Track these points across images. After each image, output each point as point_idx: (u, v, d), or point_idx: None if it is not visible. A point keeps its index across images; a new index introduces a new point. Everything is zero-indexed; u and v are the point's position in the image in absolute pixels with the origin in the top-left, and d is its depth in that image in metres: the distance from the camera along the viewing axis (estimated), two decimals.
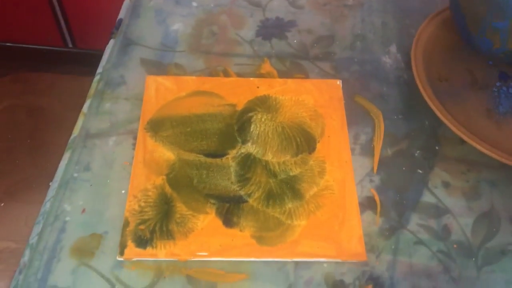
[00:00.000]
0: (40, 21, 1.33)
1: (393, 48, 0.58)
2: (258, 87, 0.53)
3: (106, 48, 0.57)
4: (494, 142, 0.49)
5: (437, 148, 0.50)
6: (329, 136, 0.49)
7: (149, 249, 0.42)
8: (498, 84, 0.55)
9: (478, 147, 0.47)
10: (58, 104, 0.82)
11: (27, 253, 0.42)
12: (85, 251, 0.42)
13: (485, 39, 0.52)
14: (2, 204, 0.75)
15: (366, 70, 0.56)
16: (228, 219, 0.44)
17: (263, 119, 0.50)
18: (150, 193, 0.45)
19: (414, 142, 0.50)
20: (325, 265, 0.42)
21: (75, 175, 0.46)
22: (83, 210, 0.44)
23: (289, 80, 0.53)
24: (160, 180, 0.45)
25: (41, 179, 0.71)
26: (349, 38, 0.59)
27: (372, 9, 0.62)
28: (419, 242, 0.44)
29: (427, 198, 0.46)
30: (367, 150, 0.49)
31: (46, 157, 0.79)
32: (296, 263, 0.42)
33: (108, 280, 0.40)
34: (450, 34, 0.58)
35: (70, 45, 1.43)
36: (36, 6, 1.29)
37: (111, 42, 0.58)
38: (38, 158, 0.81)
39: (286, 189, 0.45)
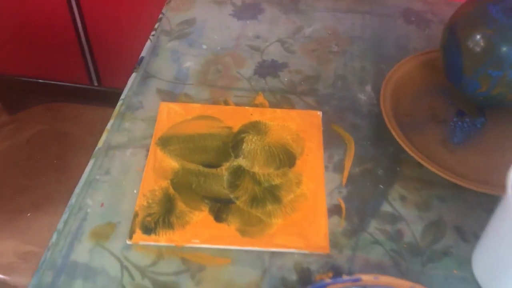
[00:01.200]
0: (70, 61, 1.48)
1: (368, 87, 0.69)
2: (251, 114, 0.64)
3: (129, 80, 0.69)
4: (446, 166, 0.58)
5: (398, 169, 0.59)
6: (307, 155, 0.59)
7: (152, 236, 0.51)
8: (455, 119, 0.65)
9: (432, 169, 0.57)
10: (82, 130, 0.94)
11: (54, 236, 0.52)
12: (101, 235, 0.52)
13: (475, 82, 0.61)
14: (29, 214, 0.86)
15: (343, 104, 0.67)
16: (218, 215, 0.53)
17: (253, 140, 0.60)
18: (156, 193, 0.55)
19: (379, 163, 0.60)
20: (295, 255, 0.51)
21: (97, 177, 0.57)
22: (102, 204, 0.54)
23: (278, 110, 0.64)
24: (165, 183, 0.56)
25: (63, 194, 0.82)
26: (331, 78, 0.70)
27: (353, 55, 0.74)
28: (375, 242, 0.53)
29: (385, 208, 0.56)
30: (339, 168, 0.59)
31: (68, 175, 0.90)
32: (272, 252, 0.51)
33: (118, 259, 0.50)
34: (418, 76, 0.69)
35: (96, 84, 1.57)
36: (67, 47, 1.44)
37: (134, 75, 0.70)
38: (61, 176, 0.91)
39: (268, 195, 0.55)
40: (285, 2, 0.82)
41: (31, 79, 1.56)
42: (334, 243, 0.52)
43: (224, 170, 0.57)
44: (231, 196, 0.55)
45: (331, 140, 0.62)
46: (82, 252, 0.51)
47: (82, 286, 0.48)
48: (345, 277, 0.47)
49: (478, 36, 0.60)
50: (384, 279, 0.47)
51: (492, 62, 0.60)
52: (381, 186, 0.58)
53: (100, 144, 0.61)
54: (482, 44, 0.60)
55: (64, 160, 0.88)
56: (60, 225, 0.53)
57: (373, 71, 0.71)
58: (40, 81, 1.55)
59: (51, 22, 1.37)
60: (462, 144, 0.62)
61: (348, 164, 0.59)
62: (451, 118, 0.65)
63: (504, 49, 0.59)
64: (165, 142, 0.60)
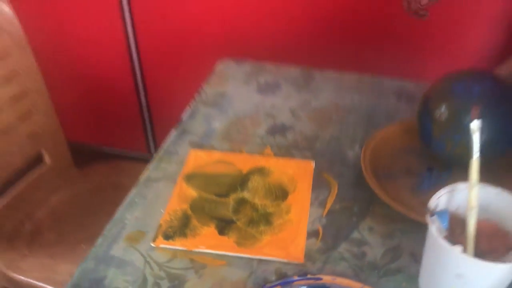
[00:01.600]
0: (132, 132, 1.74)
1: (356, 146, 0.85)
2: (259, 161, 0.81)
3: (169, 134, 0.89)
4: (410, 206, 0.72)
5: (370, 208, 0.74)
6: (298, 193, 0.75)
7: (170, 241, 0.68)
8: (424, 173, 0.79)
9: (398, 208, 0.71)
10: (134, 181, 1.16)
11: (100, 239, 0.70)
12: (133, 239, 0.69)
13: (443, 143, 0.76)
14: (83, 246, 1.05)
15: (334, 158, 0.83)
16: (222, 231, 0.69)
17: (257, 179, 0.77)
18: (177, 212, 0.72)
19: (356, 203, 0.75)
20: (277, 263, 0.66)
21: (136, 200, 0.75)
22: (136, 218, 0.72)
23: (280, 159, 0.82)
24: (185, 206, 0.73)
25: None
26: (327, 139, 0.87)
27: (349, 123, 0.91)
28: (343, 258, 0.66)
29: (355, 235, 0.70)
30: (322, 204, 0.74)
31: None
32: (259, 259, 0.66)
33: (143, 256, 0.67)
34: (397, 138, 0.84)
35: (153, 152, 1.82)
36: (131, 119, 1.70)
37: (173, 130, 0.90)
38: (112, 217, 1.11)
39: (262, 219, 0.71)
40: (300, 82, 1.02)
41: (96, 147, 1.82)
42: (308, 257, 0.66)
43: (231, 200, 0.74)
44: (234, 218, 0.71)
45: (320, 184, 0.78)
46: (118, 250, 0.68)
47: (115, 272, 0.65)
48: (309, 276, 0.61)
49: (444, 108, 0.76)
50: (340, 280, 0.60)
51: (453, 128, 0.75)
52: (355, 219, 0.72)
53: (142, 178, 0.80)
54: (446, 114, 0.76)
55: (116, 204, 1.09)
56: (105, 231, 0.71)
57: (363, 134, 0.88)
58: (102, 148, 1.81)
59: (118, 97, 1.64)
60: (427, 191, 0.76)
61: (330, 201, 0.75)
62: (422, 172, 0.80)
63: (462, 118, 0.74)
64: (189, 178, 0.78)
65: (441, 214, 0.57)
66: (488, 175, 0.59)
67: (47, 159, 1.22)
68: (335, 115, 0.93)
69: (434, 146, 0.78)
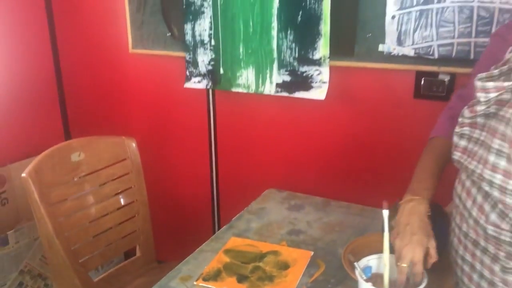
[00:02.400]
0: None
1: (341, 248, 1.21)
2: (274, 247, 1.20)
3: (218, 231, 1.32)
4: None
5: (343, 281, 1.08)
6: (296, 267, 1.12)
7: (206, 282, 1.07)
8: None
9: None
10: None
11: (165, 277, 1.10)
12: (184, 279, 1.09)
13: None
14: None
15: (328, 252, 1.19)
16: (240, 281, 1.07)
17: (270, 256, 1.16)
18: (214, 268, 1.12)
19: (333, 278, 1.09)
20: None
21: (190, 260, 1.16)
22: (188, 269, 1.12)
23: (289, 248, 1.20)
24: (220, 266, 1.13)
25: None
26: (327, 241, 1.24)
27: (346, 232, 1.28)
28: None
29: None
30: (311, 275, 1.10)
31: None
32: None
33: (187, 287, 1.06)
34: (372, 242, 1.19)
35: None
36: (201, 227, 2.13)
37: (225, 228, 1.33)
38: None
39: (267, 278, 1.08)
40: (319, 206, 1.43)
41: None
42: None
43: (250, 265, 1.13)
44: (249, 275, 1.09)
45: (313, 265, 1.14)
46: (175, 283, 1.08)
47: None
48: None
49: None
50: None
51: None
52: (330, 286, 1.06)
53: (197, 250, 1.21)
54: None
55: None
56: (169, 273, 1.12)
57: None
58: None
59: (196, 218, 2.10)
60: None
61: (316, 274, 1.10)
62: None
63: None
64: (227, 251, 1.18)
65: (365, 268, 0.92)
66: None
67: (138, 252, 1.68)
68: (337, 228, 1.31)
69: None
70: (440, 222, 1.00)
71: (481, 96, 0.82)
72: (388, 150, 1.63)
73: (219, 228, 2.06)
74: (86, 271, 1.50)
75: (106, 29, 2.00)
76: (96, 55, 2.07)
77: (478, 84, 0.82)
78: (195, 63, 1.84)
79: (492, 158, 0.79)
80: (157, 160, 2.03)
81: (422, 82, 1.56)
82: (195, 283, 1.08)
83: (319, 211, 1.41)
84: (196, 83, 1.85)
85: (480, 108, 0.83)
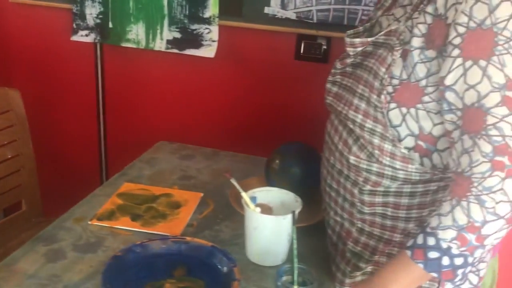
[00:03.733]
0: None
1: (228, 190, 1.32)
2: (167, 190, 1.27)
3: (114, 175, 1.35)
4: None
5: (230, 218, 1.19)
6: (187, 206, 1.21)
7: (100, 221, 1.11)
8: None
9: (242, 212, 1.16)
10: None
11: (62, 216, 1.13)
12: (79, 220, 1.12)
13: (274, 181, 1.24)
14: None
15: (216, 193, 1.29)
16: (133, 219, 1.13)
17: (163, 198, 1.23)
18: (108, 210, 1.16)
19: (223, 215, 1.20)
20: (162, 235, 1.09)
21: (86, 202, 1.19)
22: (83, 211, 1.16)
23: (181, 190, 1.28)
24: (113, 207, 1.18)
25: None
26: (217, 184, 1.34)
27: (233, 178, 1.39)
28: (204, 236, 1.10)
29: (217, 227, 1.14)
30: (201, 212, 1.19)
31: None
32: (152, 233, 1.09)
33: (82, 228, 1.10)
34: (253, 185, 1.32)
35: None
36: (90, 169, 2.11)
37: (117, 174, 1.36)
38: None
39: (160, 216, 1.16)
40: (209, 155, 1.52)
41: None
42: (183, 234, 1.10)
43: (144, 206, 1.19)
44: (143, 214, 1.16)
45: (204, 204, 1.24)
46: (70, 224, 1.10)
47: (66, 234, 1.07)
48: (174, 237, 1.04)
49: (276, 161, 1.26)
50: (196, 240, 1.04)
51: (280, 172, 1.24)
52: (218, 220, 1.17)
53: (91, 194, 1.24)
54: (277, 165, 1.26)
55: None
56: (66, 213, 1.14)
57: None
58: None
59: (84, 174, 2.09)
60: None
61: (205, 212, 1.20)
62: None
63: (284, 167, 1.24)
64: (120, 195, 1.23)
65: (252, 198, 1.04)
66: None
67: (24, 206, 1.64)
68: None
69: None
70: (315, 162, 1.16)
71: (350, 50, 0.96)
72: (270, 106, 1.77)
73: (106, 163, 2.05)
74: None
75: None
76: None
77: (347, 40, 0.95)
78: (82, 16, 1.80)
79: (355, 101, 0.93)
80: (43, 113, 1.97)
81: (302, 44, 1.71)
82: (89, 222, 1.12)
83: (208, 160, 1.50)
84: (84, 37, 1.82)
85: (349, 60, 0.98)
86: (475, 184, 0.73)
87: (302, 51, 1.72)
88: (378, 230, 0.96)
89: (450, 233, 0.75)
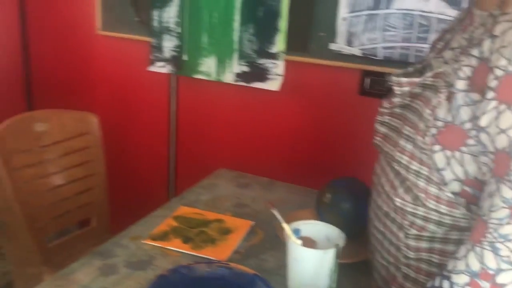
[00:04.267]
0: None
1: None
2: (220, 216, 1.32)
3: (171, 199, 1.42)
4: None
5: (277, 247, 1.20)
6: (236, 233, 1.24)
7: (154, 241, 1.18)
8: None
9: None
10: None
11: (119, 235, 1.21)
12: (135, 238, 1.19)
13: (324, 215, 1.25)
14: None
15: (266, 223, 1.32)
16: (185, 242, 1.19)
17: (215, 223, 1.28)
18: (162, 231, 1.23)
19: (270, 245, 1.22)
20: (209, 259, 1.13)
21: (141, 224, 1.27)
22: (140, 230, 1.23)
23: (233, 217, 1.32)
24: (168, 229, 1.24)
25: None
26: (268, 214, 1.37)
27: (284, 208, 1.41)
28: (250, 265, 1.12)
29: (263, 257, 1.16)
30: (250, 240, 1.22)
31: None
32: (200, 256, 1.13)
33: (137, 245, 1.16)
34: (303, 217, 1.33)
35: None
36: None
37: (176, 198, 1.43)
38: None
39: (210, 241, 1.20)
40: (265, 185, 1.56)
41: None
42: (229, 261, 1.13)
43: (196, 230, 1.24)
44: (194, 238, 1.21)
45: (252, 232, 1.26)
46: (127, 241, 1.18)
47: (122, 251, 1.14)
48: (218, 263, 1.08)
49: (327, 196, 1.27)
50: (239, 266, 1.06)
51: (331, 207, 1.25)
52: (266, 248, 1.19)
53: (147, 217, 1.32)
54: (328, 199, 1.26)
55: None
56: (123, 232, 1.22)
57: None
58: None
59: (152, 196, 2.20)
60: None
61: (254, 240, 1.22)
62: None
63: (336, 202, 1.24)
64: (175, 217, 1.29)
65: (296, 230, 1.05)
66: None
67: (93, 222, 1.76)
68: (278, 204, 1.44)
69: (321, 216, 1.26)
70: (366, 199, 1.15)
71: (396, 89, 0.96)
72: (330, 140, 1.78)
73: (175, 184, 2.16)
74: (42, 236, 1.59)
75: (75, 9, 2.08)
76: (64, 33, 2.15)
77: (394, 79, 0.96)
78: (160, 49, 1.94)
79: (402, 142, 0.93)
80: (118, 136, 2.13)
81: (367, 80, 1.72)
82: (143, 241, 1.18)
83: (264, 189, 1.54)
84: (160, 68, 1.95)
85: (396, 99, 0.98)
86: (491, 230, 0.71)
87: (366, 86, 1.73)
88: (423, 277, 0.93)
89: (464, 278, 0.73)
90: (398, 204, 0.92)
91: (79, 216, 1.73)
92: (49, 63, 2.23)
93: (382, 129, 1.02)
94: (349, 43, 1.68)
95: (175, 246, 1.17)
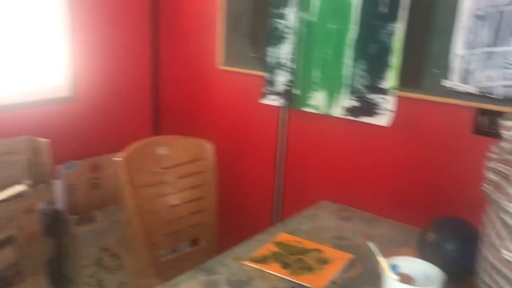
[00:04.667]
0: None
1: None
2: (318, 246, 1.34)
3: (275, 225, 1.48)
4: None
5: (375, 282, 1.19)
6: (334, 264, 1.25)
7: (254, 263, 1.23)
8: None
9: None
10: None
11: (221, 255, 1.28)
12: (237, 258, 1.26)
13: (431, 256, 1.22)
14: None
15: (366, 259, 1.31)
16: (284, 267, 1.23)
17: (313, 253, 1.30)
18: (263, 255, 1.28)
19: (368, 279, 1.21)
20: (305, 286, 1.15)
21: (242, 247, 1.34)
22: (241, 251, 1.30)
23: (331, 249, 1.33)
24: (269, 253, 1.29)
25: None
26: (367, 248, 1.36)
27: (382, 244, 1.39)
28: None
29: None
30: (347, 273, 1.22)
31: None
32: (297, 282, 1.17)
33: (239, 265, 1.23)
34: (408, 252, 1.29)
35: None
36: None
37: (277, 224, 1.49)
38: None
39: (307, 269, 1.23)
40: (368, 220, 1.55)
41: None
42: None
43: (295, 257, 1.28)
44: (292, 264, 1.24)
45: (351, 266, 1.27)
46: (229, 261, 1.25)
47: (225, 269, 1.22)
48: None
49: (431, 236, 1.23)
50: None
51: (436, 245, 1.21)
52: (360, 283, 1.19)
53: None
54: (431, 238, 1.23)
55: None
56: (226, 253, 1.30)
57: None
58: None
59: (257, 221, 2.28)
60: None
61: (352, 273, 1.23)
62: None
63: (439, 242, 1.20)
64: (276, 243, 1.34)
65: (394, 266, 1.04)
66: None
67: (202, 242, 1.88)
68: (381, 240, 1.42)
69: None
70: (472, 242, 1.10)
71: (504, 133, 0.93)
72: (437, 178, 1.72)
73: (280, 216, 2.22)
74: (156, 250, 1.73)
75: (202, 45, 2.28)
76: (190, 66, 2.36)
77: (503, 122, 0.93)
78: (273, 83, 2.04)
79: (510, 190, 0.89)
80: (230, 163, 2.25)
81: (483, 118, 1.64)
82: (244, 262, 1.25)
83: (366, 224, 1.53)
84: (272, 101, 2.05)
85: (504, 144, 0.94)
86: None
87: (482, 125, 1.65)
88: None
89: None
90: (504, 256, 0.88)
91: (190, 235, 1.85)
92: (175, 92, 2.46)
93: (492, 176, 0.98)
94: (464, 80, 1.63)
95: (274, 270, 1.22)
